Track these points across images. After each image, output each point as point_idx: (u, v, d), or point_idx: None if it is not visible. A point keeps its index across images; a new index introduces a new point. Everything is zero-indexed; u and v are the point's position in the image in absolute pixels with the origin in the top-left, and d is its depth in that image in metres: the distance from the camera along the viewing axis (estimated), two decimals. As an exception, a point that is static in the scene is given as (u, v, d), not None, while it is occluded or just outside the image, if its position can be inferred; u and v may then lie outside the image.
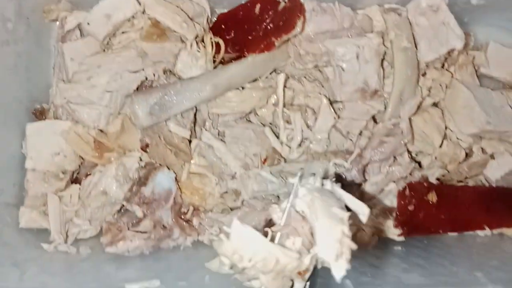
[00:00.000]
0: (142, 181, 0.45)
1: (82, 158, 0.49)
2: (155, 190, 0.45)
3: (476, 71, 0.57)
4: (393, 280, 0.42)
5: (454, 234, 0.51)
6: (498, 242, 0.53)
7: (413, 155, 0.55)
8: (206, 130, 0.49)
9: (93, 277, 0.41)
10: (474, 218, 0.51)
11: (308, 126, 0.52)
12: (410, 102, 0.50)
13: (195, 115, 0.50)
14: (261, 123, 0.52)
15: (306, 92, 0.54)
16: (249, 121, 0.52)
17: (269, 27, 0.48)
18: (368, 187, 0.52)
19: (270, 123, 0.53)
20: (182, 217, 0.48)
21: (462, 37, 0.51)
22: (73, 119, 0.47)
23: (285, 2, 0.48)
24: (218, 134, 0.51)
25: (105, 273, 0.42)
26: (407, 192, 0.49)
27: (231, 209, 0.51)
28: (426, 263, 0.46)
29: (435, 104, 0.56)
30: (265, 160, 0.49)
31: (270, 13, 0.48)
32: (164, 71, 0.48)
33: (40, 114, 0.49)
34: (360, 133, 0.51)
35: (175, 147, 0.47)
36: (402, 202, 0.48)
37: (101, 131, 0.48)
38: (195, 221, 0.48)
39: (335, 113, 0.52)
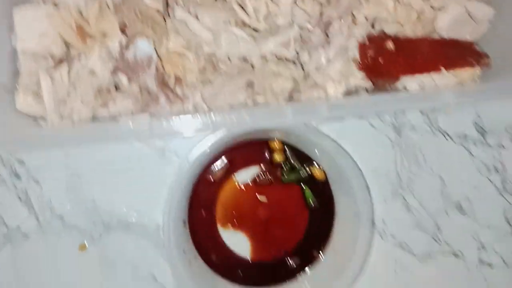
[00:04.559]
0: (124, 48, 0.49)
1: (67, 47, 0.53)
2: (137, 54, 0.49)
3: None
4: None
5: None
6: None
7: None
8: (177, 6, 0.53)
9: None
10: (430, 61, 0.56)
11: (272, 1, 0.57)
12: (358, -40, 0.55)
13: (166, -4, 0.54)
14: (228, 4, 0.57)
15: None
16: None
17: None
18: (332, 49, 0.57)
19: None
20: (166, 85, 0.52)
21: None
22: (54, 2, 0.51)
23: None
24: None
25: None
26: (366, 42, 0.55)
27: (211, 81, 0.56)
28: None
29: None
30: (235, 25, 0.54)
31: None
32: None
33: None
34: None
35: (151, 19, 0.51)
36: (363, 51, 0.54)
37: (82, 15, 0.52)
38: (178, 90, 0.53)
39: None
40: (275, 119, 0.47)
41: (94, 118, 0.52)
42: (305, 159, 0.64)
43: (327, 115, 0.48)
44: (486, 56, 0.59)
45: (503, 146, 0.69)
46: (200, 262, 0.60)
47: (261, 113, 0.46)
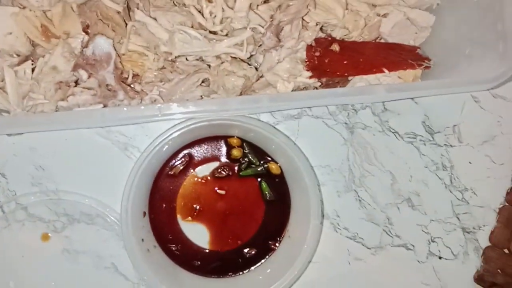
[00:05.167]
0: (84, 45, 0.53)
1: (33, 46, 0.56)
2: (96, 51, 0.53)
3: None
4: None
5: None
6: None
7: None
8: (138, 9, 0.57)
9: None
10: (374, 63, 0.60)
11: (229, 7, 0.61)
12: (304, -31, 0.60)
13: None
14: (187, 8, 0.61)
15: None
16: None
17: None
18: (284, 51, 0.62)
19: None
20: (124, 81, 0.55)
21: None
22: (21, 4, 0.54)
23: None
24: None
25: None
26: (313, 44, 0.59)
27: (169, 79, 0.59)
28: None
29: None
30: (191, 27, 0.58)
31: None
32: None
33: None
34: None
35: (111, 20, 0.55)
36: (310, 52, 0.58)
37: (46, 16, 0.55)
38: (137, 86, 0.56)
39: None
40: (220, 110, 0.50)
41: (56, 112, 0.55)
42: (262, 155, 0.68)
43: (268, 106, 0.51)
44: (427, 59, 0.64)
45: (450, 145, 0.73)
46: (159, 251, 0.63)
47: (207, 104, 0.49)
